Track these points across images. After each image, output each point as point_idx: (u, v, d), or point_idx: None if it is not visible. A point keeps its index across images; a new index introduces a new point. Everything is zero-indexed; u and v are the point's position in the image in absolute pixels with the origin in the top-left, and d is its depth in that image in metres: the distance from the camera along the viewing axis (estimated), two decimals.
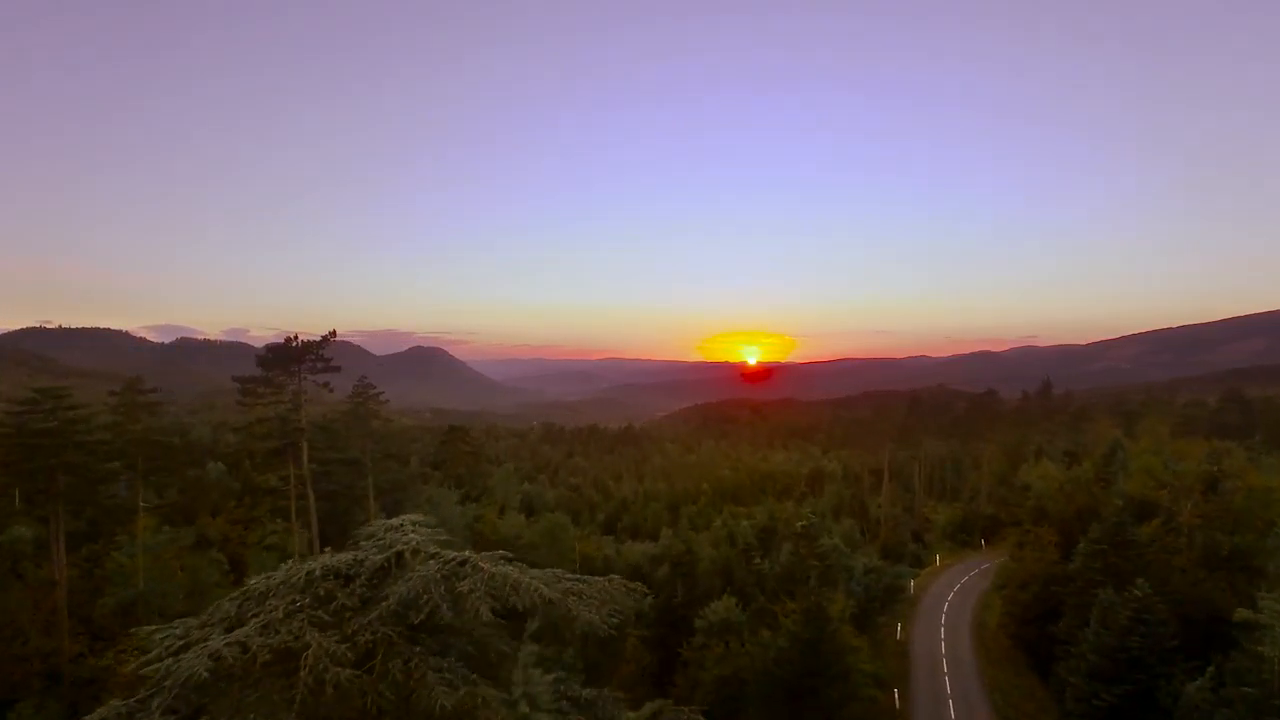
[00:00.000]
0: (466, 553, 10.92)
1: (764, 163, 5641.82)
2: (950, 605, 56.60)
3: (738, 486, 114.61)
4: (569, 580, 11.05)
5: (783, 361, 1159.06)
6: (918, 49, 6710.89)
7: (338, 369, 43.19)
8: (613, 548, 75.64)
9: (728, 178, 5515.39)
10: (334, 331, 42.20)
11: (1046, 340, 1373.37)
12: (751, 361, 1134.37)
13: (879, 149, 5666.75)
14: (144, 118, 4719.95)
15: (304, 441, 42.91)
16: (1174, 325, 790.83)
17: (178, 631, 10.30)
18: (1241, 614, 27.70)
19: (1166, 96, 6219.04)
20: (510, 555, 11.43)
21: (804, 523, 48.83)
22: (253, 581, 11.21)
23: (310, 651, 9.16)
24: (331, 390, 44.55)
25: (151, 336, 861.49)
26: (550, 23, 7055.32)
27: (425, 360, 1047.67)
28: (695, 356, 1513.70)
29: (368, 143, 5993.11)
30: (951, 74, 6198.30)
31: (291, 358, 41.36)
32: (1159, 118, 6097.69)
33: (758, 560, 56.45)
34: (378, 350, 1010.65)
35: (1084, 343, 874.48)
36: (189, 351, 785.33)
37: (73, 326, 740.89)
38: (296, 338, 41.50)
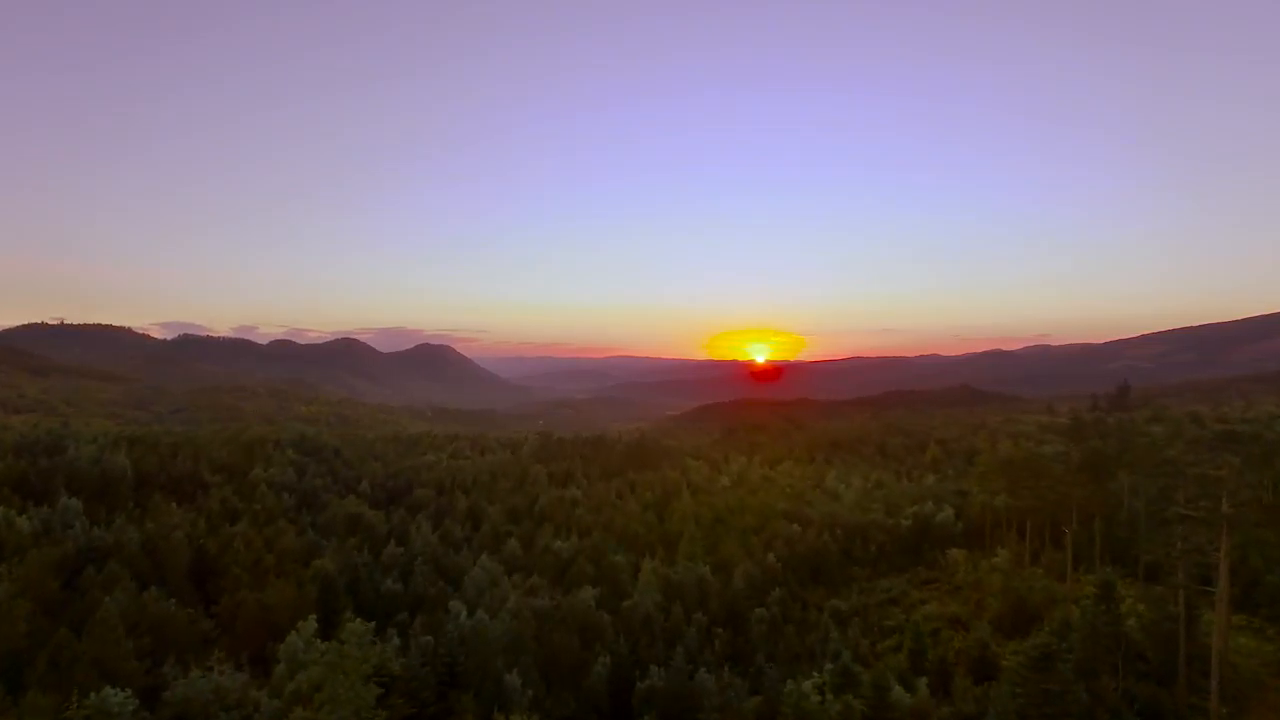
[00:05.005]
0: None
1: (771, 160, 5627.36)
2: None
3: (819, 555, 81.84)
4: None
5: (792, 360, 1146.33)
6: (925, 45, 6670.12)
7: None
8: None
9: (737, 175, 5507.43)
10: None
11: (1060, 339, 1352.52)
12: (760, 360, 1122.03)
13: (886, 146, 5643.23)
14: (148, 113, 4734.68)
15: None
16: (1194, 324, 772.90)
17: None
18: None
19: (1183, 92, 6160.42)
20: None
21: None
22: None
23: None
24: None
25: (155, 333, 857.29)
26: (560, 18, 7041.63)
27: (432, 358, 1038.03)
28: (702, 355, 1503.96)
29: (375, 140, 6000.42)
30: (959, 70, 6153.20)
31: None
32: (1175, 113, 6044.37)
33: None
34: (385, 348, 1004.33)
35: (1100, 341, 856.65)
36: (193, 349, 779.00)
37: (75, 324, 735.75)
38: None
